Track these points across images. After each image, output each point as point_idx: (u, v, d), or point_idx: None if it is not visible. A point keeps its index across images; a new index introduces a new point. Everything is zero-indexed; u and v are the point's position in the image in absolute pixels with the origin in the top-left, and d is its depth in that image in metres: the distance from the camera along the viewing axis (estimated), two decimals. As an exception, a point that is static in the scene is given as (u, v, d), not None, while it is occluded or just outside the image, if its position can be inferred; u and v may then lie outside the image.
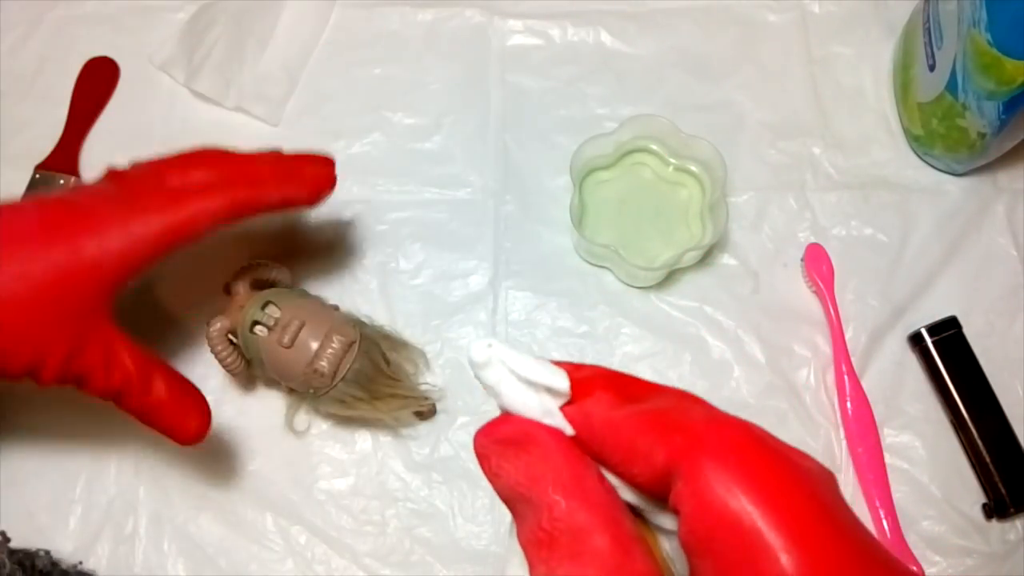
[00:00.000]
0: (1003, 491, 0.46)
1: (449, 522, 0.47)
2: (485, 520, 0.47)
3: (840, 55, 0.56)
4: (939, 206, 0.53)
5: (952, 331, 0.49)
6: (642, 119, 0.50)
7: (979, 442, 0.47)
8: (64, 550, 0.46)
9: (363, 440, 0.48)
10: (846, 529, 0.18)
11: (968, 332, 0.49)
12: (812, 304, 0.51)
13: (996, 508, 0.46)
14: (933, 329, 0.49)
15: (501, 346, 0.21)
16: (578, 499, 0.19)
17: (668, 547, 0.21)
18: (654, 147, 0.52)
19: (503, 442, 0.21)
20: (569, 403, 0.21)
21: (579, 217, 0.49)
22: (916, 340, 0.49)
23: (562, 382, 0.21)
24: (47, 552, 0.44)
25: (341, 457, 0.48)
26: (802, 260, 0.51)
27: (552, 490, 0.19)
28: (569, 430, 0.21)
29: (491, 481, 0.21)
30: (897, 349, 0.50)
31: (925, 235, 0.52)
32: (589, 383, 0.21)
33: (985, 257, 0.52)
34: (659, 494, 0.19)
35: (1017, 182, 0.53)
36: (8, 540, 0.42)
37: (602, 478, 0.20)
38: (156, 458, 0.48)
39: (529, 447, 0.20)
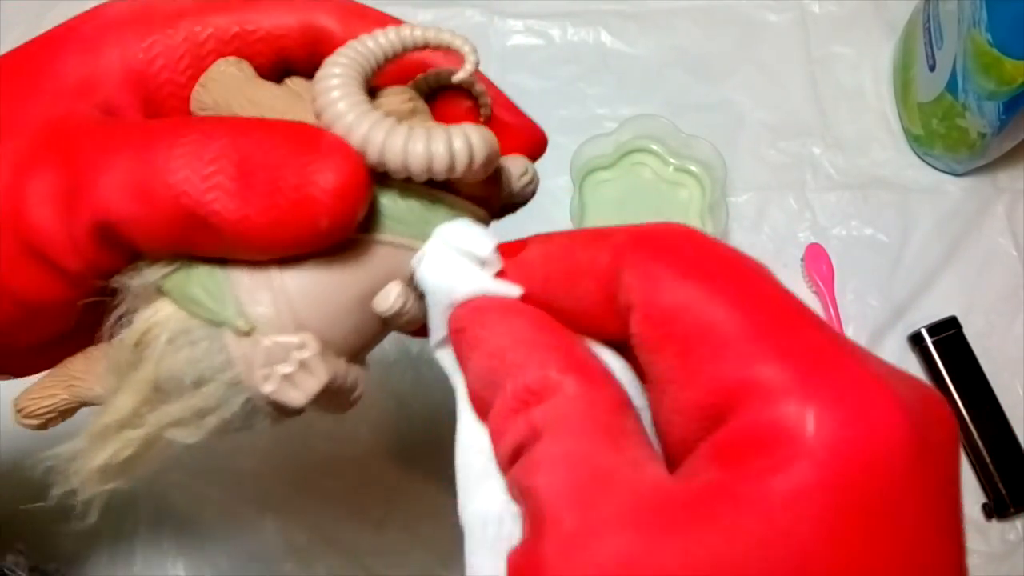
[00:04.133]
0: (1003, 491, 0.46)
1: (451, 522, 0.47)
2: (485, 520, 0.47)
3: (840, 55, 0.56)
4: (939, 206, 0.53)
5: (952, 331, 0.49)
6: (642, 119, 0.50)
7: (979, 442, 0.47)
8: (64, 550, 0.46)
9: (363, 440, 0.48)
10: (787, 293, 0.17)
11: (968, 332, 0.49)
12: (812, 304, 0.51)
13: (996, 508, 0.46)
14: (933, 329, 0.49)
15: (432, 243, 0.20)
16: (572, 359, 0.18)
17: None
18: (654, 147, 0.52)
19: (483, 310, 0.19)
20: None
21: (579, 217, 0.49)
22: (916, 340, 0.49)
23: (485, 245, 0.20)
24: (57, 568, 0.44)
25: (341, 457, 0.48)
26: (802, 260, 0.51)
27: (542, 350, 0.18)
28: (514, 291, 0.20)
29: (466, 358, 0.19)
30: (897, 349, 0.50)
31: (925, 235, 0.52)
32: (519, 245, 0.20)
33: (985, 257, 0.52)
34: (612, 323, 0.18)
35: (1017, 182, 0.53)
36: (23, 553, 0.42)
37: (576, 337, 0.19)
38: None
39: (511, 313, 0.19)
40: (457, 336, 0.20)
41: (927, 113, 0.51)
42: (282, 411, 0.20)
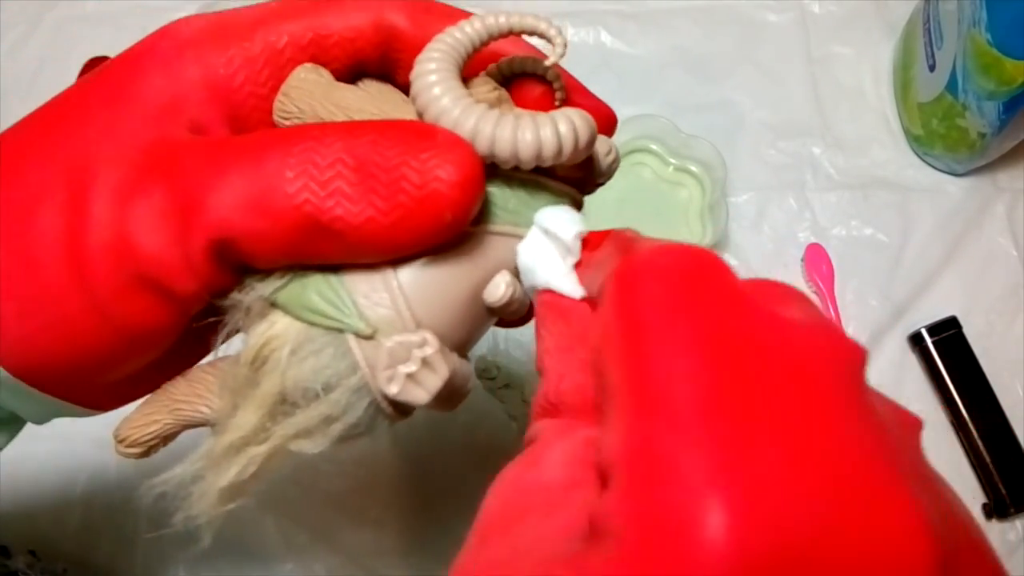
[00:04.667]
0: (1003, 491, 0.46)
1: (451, 522, 0.47)
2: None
3: (840, 55, 0.56)
4: (939, 206, 0.53)
5: (952, 331, 0.49)
6: (642, 119, 0.50)
7: (979, 442, 0.47)
8: (64, 550, 0.46)
9: (363, 440, 0.48)
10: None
11: (968, 332, 0.49)
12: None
13: (996, 508, 0.46)
14: (933, 329, 0.49)
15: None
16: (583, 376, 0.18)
17: None
18: (654, 147, 0.52)
19: (549, 306, 0.20)
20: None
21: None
22: (916, 340, 0.49)
23: (568, 230, 0.20)
24: (65, 568, 0.44)
25: (341, 456, 0.48)
26: (802, 260, 0.51)
27: (572, 364, 0.18)
28: (577, 293, 0.20)
29: (537, 345, 0.20)
30: (897, 349, 0.50)
31: (925, 235, 0.52)
32: (602, 236, 0.20)
33: (985, 257, 0.52)
34: None
35: (1017, 182, 0.53)
36: (39, 559, 0.43)
37: None
38: (156, 458, 0.48)
39: (567, 316, 0.19)
40: (536, 323, 0.20)
41: (927, 113, 0.51)
42: (403, 411, 0.20)
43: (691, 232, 0.50)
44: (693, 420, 0.13)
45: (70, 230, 0.18)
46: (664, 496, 0.13)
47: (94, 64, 0.56)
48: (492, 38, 0.21)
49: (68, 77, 0.56)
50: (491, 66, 0.22)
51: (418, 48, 0.20)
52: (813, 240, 0.52)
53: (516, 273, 0.21)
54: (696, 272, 0.16)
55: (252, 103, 0.21)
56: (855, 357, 0.15)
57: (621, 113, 0.53)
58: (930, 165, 0.54)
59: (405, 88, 0.21)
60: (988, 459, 0.47)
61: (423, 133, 0.18)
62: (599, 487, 0.15)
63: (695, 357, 0.14)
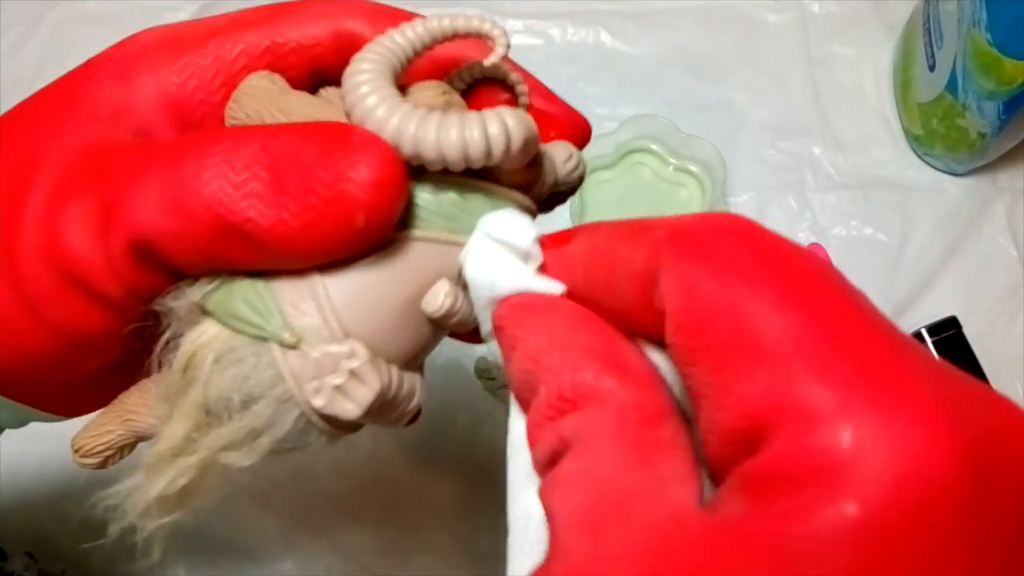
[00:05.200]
0: (1003, 491, 0.46)
1: (452, 522, 0.47)
2: (489, 521, 0.47)
3: (840, 55, 0.56)
4: (939, 206, 0.53)
5: (952, 331, 0.49)
6: (642, 119, 0.50)
7: (979, 442, 0.47)
8: (63, 552, 0.46)
9: (364, 440, 0.48)
10: (847, 292, 0.15)
11: (968, 332, 0.49)
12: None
13: (996, 508, 0.46)
14: (933, 329, 0.49)
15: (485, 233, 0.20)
16: (610, 363, 0.16)
17: None
18: (654, 147, 0.52)
19: (522, 308, 0.18)
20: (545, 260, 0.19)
21: (579, 217, 0.49)
22: (916, 340, 0.49)
23: (524, 235, 0.19)
24: (64, 570, 0.44)
25: (341, 456, 0.48)
26: (802, 260, 0.51)
27: (578, 353, 0.17)
28: (556, 288, 0.19)
29: (507, 358, 0.18)
30: (897, 349, 0.50)
31: (925, 235, 0.52)
32: (566, 235, 0.19)
33: (985, 257, 0.52)
34: (654, 327, 0.16)
35: (1017, 182, 0.53)
36: (36, 561, 0.43)
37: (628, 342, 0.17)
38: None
39: (551, 311, 0.18)
40: (498, 334, 0.19)
41: (927, 113, 0.51)
42: (337, 426, 0.19)
43: (691, 232, 0.50)
44: (846, 352, 0.14)
45: (5, 230, 0.19)
46: (886, 423, 0.13)
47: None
48: (436, 41, 0.20)
49: (68, 77, 0.56)
50: (452, 72, 0.22)
51: None
52: (813, 240, 0.52)
53: (459, 283, 0.20)
54: (753, 226, 0.16)
55: (204, 110, 0.20)
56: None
57: (621, 113, 0.53)
58: (930, 165, 0.54)
59: None
60: (988, 459, 0.47)
61: (340, 133, 0.18)
62: (726, 455, 0.14)
63: (807, 298, 0.14)
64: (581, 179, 0.23)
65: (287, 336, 0.18)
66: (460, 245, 0.20)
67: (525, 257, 0.19)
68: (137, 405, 0.21)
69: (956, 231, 0.52)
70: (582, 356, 0.17)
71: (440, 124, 0.18)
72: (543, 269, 0.19)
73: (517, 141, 0.18)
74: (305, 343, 0.18)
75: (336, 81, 0.21)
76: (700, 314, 0.15)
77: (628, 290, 0.17)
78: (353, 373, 0.18)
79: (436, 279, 0.19)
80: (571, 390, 0.16)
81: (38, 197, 0.19)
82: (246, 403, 0.19)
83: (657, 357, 0.18)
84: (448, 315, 0.19)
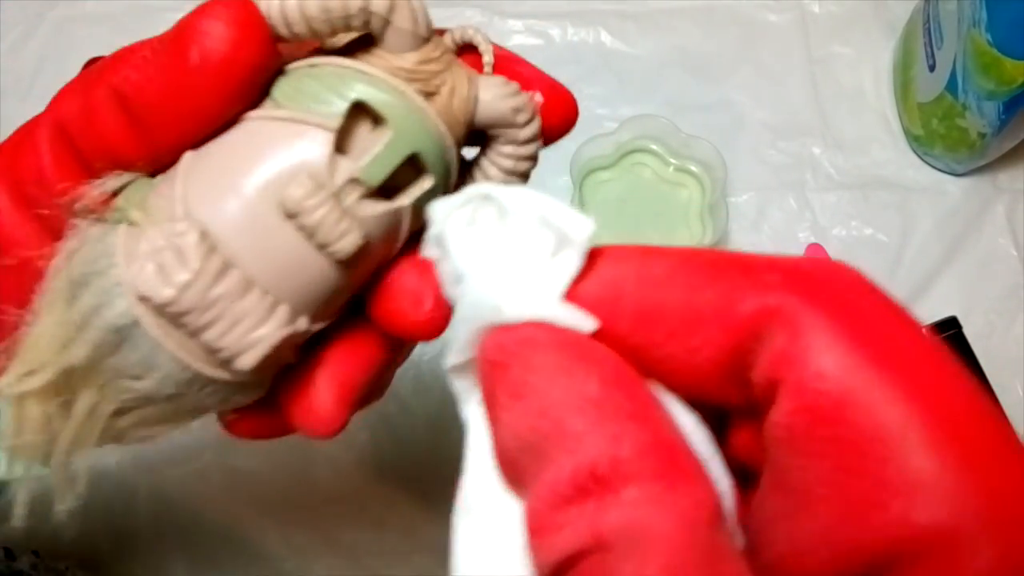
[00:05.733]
0: (1003, 491, 0.46)
1: (452, 522, 0.47)
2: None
3: (840, 55, 0.56)
4: (939, 206, 0.53)
5: (952, 331, 0.49)
6: (642, 119, 0.50)
7: (979, 442, 0.47)
8: (66, 551, 0.46)
9: (364, 440, 0.48)
10: (1004, 432, 0.13)
11: (968, 332, 0.49)
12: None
13: (996, 508, 0.46)
14: (933, 329, 0.49)
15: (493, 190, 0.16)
16: (659, 438, 0.13)
17: None
18: (654, 147, 0.52)
19: (538, 346, 0.14)
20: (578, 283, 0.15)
21: (579, 217, 0.49)
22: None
23: (582, 226, 0.15)
24: (67, 567, 0.44)
25: (342, 457, 0.48)
26: (802, 260, 0.51)
27: (618, 420, 0.13)
28: (587, 325, 0.14)
29: (502, 406, 0.14)
30: (897, 349, 0.50)
31: (925, 235, 0.52)
32: (592, 253, 0.15)
33: (985, 257, 0.52)
34: (730, 391, 0.14)
35: (1017, 182, 0.53)
36: (42, 560, 0.43)
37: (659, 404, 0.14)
38: (156, 458, 0.48)
39: (581, 357, 0.13)
40: (492, 371, 0.14)
41: (927, 113, 0.51)
42: (170, 316, 0.16)
43: (691, 232, 0.50)
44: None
45: None
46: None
47: (93, 64, 0.56)
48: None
49: (68, 77, 0.55)
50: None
51: None
52: (813, 240, 0.52)
53: (333, 183, 0.17)
54: (874, 285, 0.14)
55: None
56: None
57: (621, 113, 0.53)
58: (930, 165, 0.54)
59: None
60: (988, 459, 0.47)
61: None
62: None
63: (956, 409, 0.12)
64: (533, 135, 0.20)
65: (135, 215, 0.17)
66: (326, 128, 0.17)
67: (558, 275, 0.14)
68: None
69: (956, 231, 0.52)
70: (620, 423, 0.13)
71: None
72: (573, 295, 0.14)
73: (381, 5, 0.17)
74: (149, 222, 0.17)
75: None
76: (837, 396, 0.12)
77: (710, 343, 0.13)
78: (177, 251, 0.16)
79: (295, 172, 0.17)
80: (607, 467, 0.12)
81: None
82: (78, 284, 0.17)
83: (676, 409, 0.14)
84: (300, 211, 0.17)
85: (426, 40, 0.18)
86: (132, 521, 0.47)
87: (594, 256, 0.15)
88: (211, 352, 0.17)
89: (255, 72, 0.17)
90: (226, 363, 0.17)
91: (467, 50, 0.21)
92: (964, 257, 0.52)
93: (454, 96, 0.18)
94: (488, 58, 0.20)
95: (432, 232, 0.17)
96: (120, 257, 0.17)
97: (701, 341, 0.14)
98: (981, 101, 0.46)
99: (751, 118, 0.55)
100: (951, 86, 0.48)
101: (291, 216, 0.17)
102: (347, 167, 0.17)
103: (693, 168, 0.51)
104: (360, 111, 0.18)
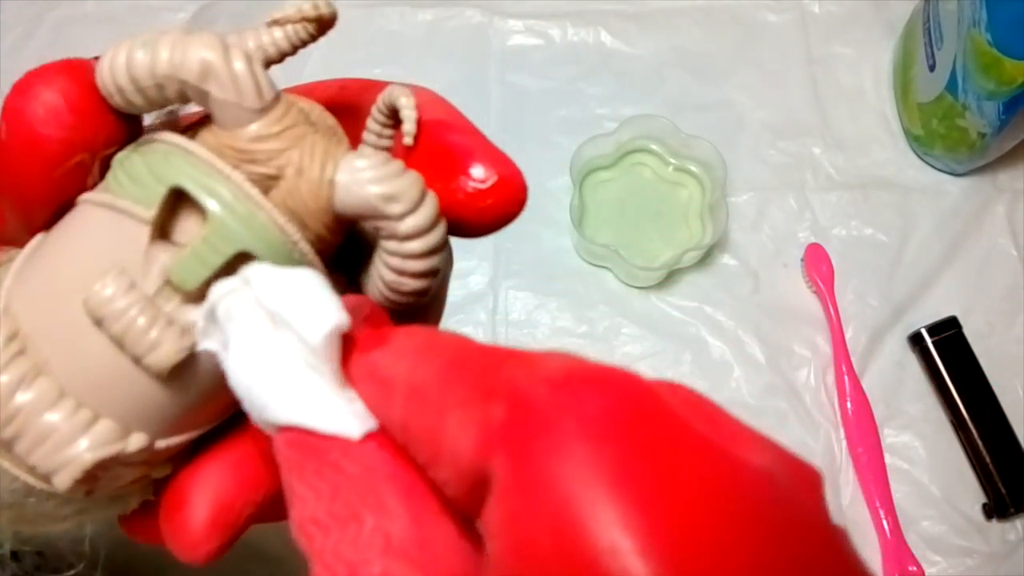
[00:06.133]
0: (1003, 491, 0.46)
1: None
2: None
3: (840, 55, 0.56)
4: (939, 206, 0.53)
5: (952, 331, 0.49)
6: (642, 119, 0.50)
7: (979, 442, 0.47)
8: (64, 549, 0.46)
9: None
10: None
11: (968, 332, 0.49)
12: (812, 304, 0.51)
13: (996, 508, 0.46)
14: (933, 329, 0.49)
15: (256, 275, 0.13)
16: (422, 561, 0.12)
17: None
18: (654, 147, 0.52)
19: (307, 450, 0.13)
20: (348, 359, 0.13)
21: (579, 217, 0.49)
22: (916, 340, 0.49)
23: (319, 315, 0.13)
24: (71, 564, 0.44)
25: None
26: (802, 260, 0.51)
27: (374, 540, 0.12)
28: (356, 431, 0.13)
29: (288, 503, 0.13)
30: (897, 349, 0.50)
31: (925, 235, 0.52)
32: (377, 329, 0.14)
33: (985, 257, 0.52)
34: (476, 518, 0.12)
35: (1017, 182, 0.53)
36: (47, 561, 0.42)
37: (452, 529, 0.12)
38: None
39: (345, 462, 0.12)
40: (283, 468, 0.13)
41: (927, 113, 0.51)
42: None
43: (691, 232, 0.51)
44: None
45: None
46: None
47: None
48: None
49: (68, 77, 0.56)
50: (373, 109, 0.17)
51: None
52: (813, 240, 0.52)
53: (150, 279, 0.15)
54: (636, 423, 0.11)
55: None
56: (820, 484, 0.11)
57: (621, 113, 0.53)
58: (930, 165, 0.54)
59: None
60: (988, 459, 0.47)
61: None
62: None
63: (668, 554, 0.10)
64: (418, 236, 0.15)
65: None
66: (142, 219, 0.14)
67: (315, 359, 0.13)
68: None
69: (956, 231, 0.52)
70: (376, 546, 0.12)
71: (156, 41, 0.14)
72: (348, 363, 0.13)
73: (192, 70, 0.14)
74: None
75: None
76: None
77: (448, 482, 0.12)
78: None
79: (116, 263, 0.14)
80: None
81: None
82: None
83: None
84: (104, 316, 0.14)
85: (264, 111, 0.15)
86: (132, 521, 0.47)
87: (376, 340, 0.13)
88: (28, 466, 0.15)
89: (71, 148, 0.15)
90: (47, 479, 0.15)
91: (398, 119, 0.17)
92: (964, 257, 0.52)
93: (301, 179, 0.15)
94: (409, 126, 0.16)
95: (202, 310, 0.14)
96: None
97: (445, 476, 0.12)
98: (981, 101, 0.46)
99: (751, 118, 0.55)
100: (951, 86, 0.48)
101: (97, 321, 0.14)
102: (165, 266, 0.14)
103: (693, 168, 0.51)
104: (186, 199, 0.15)
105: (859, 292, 0.51)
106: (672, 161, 0.51)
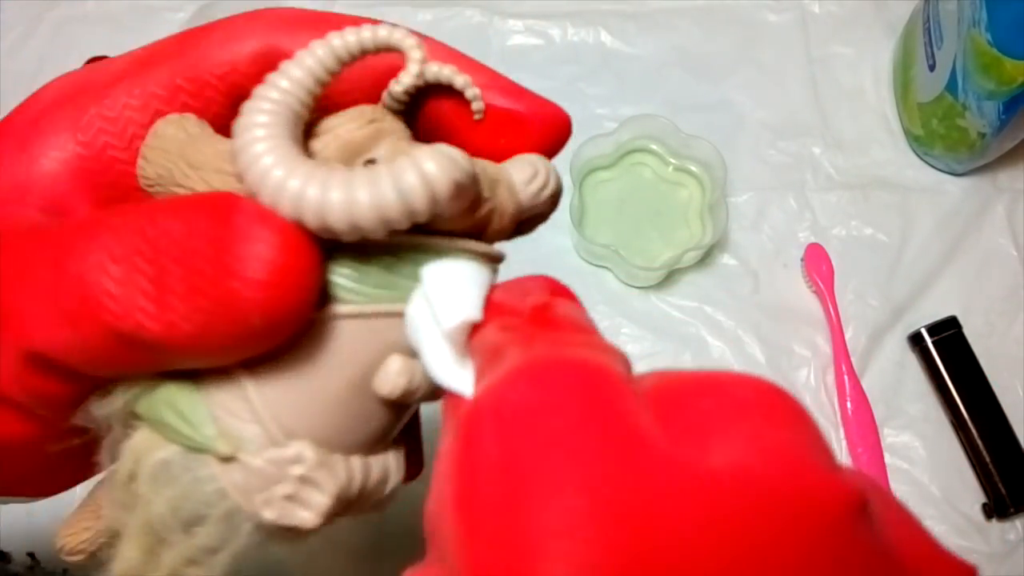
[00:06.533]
0: (1003, 491, 0.46)
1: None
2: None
3: (840, 55, 0.56)
4: (939, 206, 0.53)
5: (952, 331, 0.49)
6: (642, 119, 0.50)
7: (979, 442, 0.47)
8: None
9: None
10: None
11: (968, 332, 0.49)
12: (812, 304, 0.51)
13: (996, 508, 0.46)
14: (933, 329, 0.49)
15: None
16: None
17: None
18: (654, 147, 0.52)
19: (445, 400, 0.17)
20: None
21: (579, 217, 0.49)
22: (916, 340, 0.49)
23: (453, 310, 0.16)
24: (65, 569, 0.44)
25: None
26: (802, 260, 0.51)
27: None
28: (468, 391, 0.16)
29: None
30: (897, 349, 0.50)
31: (925, 235, 0.52)
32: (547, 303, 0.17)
33: (985, 257, 0.52)
34: None
35: (1017, 182, 0.53)
36: (38, 563, 0.42)
37: None
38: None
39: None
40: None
41: (927, 113, 0.51)
42: (299, 532, 0.17)
43: (691, 232, 0.51)
44: None
45: None
46: None
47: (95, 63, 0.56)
48: (342, 63, 0.17)
49: (68, 77, 0.56)
50: (383, 94, 0.18)
51: None
52: (813, 240, 0.52)
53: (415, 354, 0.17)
54: (556, 419, 0.13)
55: (119, 168, 0.18)
56: (830, 508, 0.12)
57: (621, 113, 0.53)
58: (930, 165, 0.54)
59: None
60: (988, 459, 0.47)
61: (223, 212, 0.14)
62: None
63: (554, 567, 0.12)
64: (554, 200, 0.19)
65: (222, 446, 0.16)
66: (399, 315, 0.16)
67: (448, 339, 0.16)
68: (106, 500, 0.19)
69: (956, 231, 0.52)
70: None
71: (346, 185, 0.15)
72: (481, 347, 0.16)
73: (444, 189, 0.15)
74: (244, 452, 0.16)
75: None
76: (437, 512, 0.14)
77: None
78: (303, 479, 0.16)
79: (383, 355, 0.17)
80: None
81: None
82: (191, 523, 0.16)
83: None
84: (407, 394, 0.17)
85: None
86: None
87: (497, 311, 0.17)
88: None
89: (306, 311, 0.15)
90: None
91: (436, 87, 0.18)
92: (964, 257, 0.52)
93: (505, 221, 0.19)
94: (477, 105, 0.18)
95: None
96: (233, 494, 0.16)
97: None
98: (981, 101, 0.46)
99: (751, 118, 0.55)
100: (951, 86, 0.48)
101: (394, 400, 0.17)
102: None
103: (693, 168, 0.51)
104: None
105: (859, 292, 0.51)
106: (672, 161, 0.51)
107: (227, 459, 0.16)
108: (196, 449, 0.16)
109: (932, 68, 0.50)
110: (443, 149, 0.15)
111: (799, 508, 0.12)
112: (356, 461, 0.17)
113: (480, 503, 0.13)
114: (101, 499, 0.19)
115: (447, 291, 0.16)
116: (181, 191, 0.17)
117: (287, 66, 0.16)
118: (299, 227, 0.14)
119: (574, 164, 0.49)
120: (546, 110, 0.19)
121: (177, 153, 0.17)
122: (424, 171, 0.15)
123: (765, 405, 0.14)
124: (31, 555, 0.43)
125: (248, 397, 0.16)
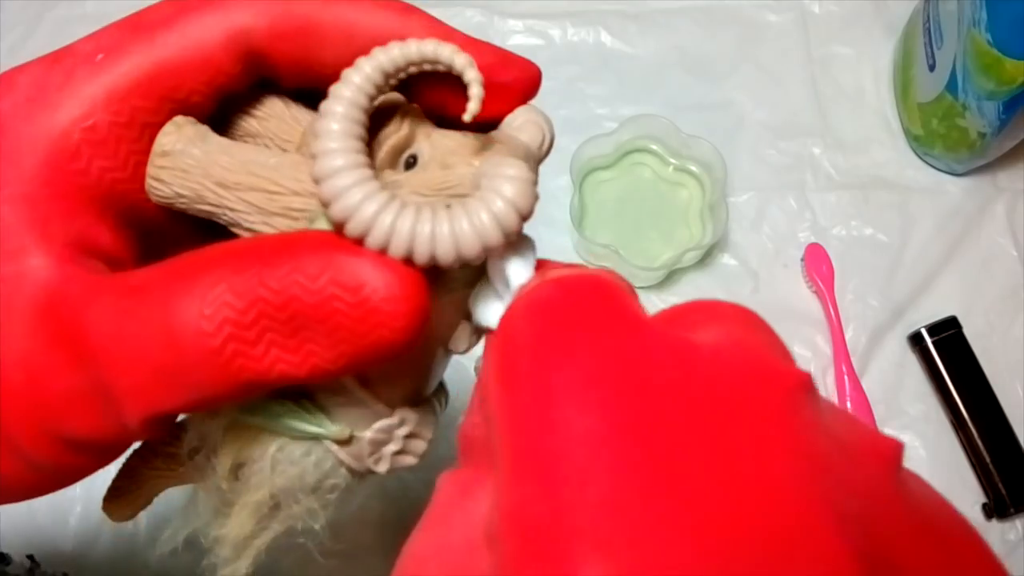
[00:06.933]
0: (1003, 491, 0.46)
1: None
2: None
3: (840, 55, 0.56)
4: (939, 206, 0.53)
5: (952, 331, 0.49)
6: (642, 119, 0.50)
7: (979, 442, 0.47)
8: (64, 549, 0.46)
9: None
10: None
11: (968, 332, 0.49)
12: (812, 304, 0.51)
13: (996, 508, 0.46)
14: (933, 329, 0.49)
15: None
16: None
17: None
18: (654, 147, 0.52)
19: (486, 344, 0.18)
20: None
21: (579, 217, 0.49)
22: (916, 340, 0.49)
23: (518, 271, 0.19)
24: (65, 573, 0.44)
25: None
26: (802, 260, 0.51)
27: None
28: None
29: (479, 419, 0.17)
30: (897, 349, 0.50)
31: (925, 235, 0.52)
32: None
33: (985, 257, 0.52)
34: None
35: (1017, 182, 0.53)
36: (38, 565, 0.42)
37: None
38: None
39: None
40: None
41: (927, 113, 0.51)
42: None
43: (691, 232, 0.51)
44: (569, 483, 0.13)
45: None
46: (540, 571, 0.13)
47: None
48: (399, 74, 0.17)
49: (68, 77, 0.56)
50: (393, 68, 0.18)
51: (309, 37, 0.17)
52: (813, 240, 0.52)
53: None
54: (574, 306, 0.16)
55: (110, 179, 0.17)
56: (783, 382, 0.15)
57: (621, 113, 0.53)
58: (930, 165, 0.54)
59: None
60: (988, 459, 0.47)
61: (341, 264, 0.16)
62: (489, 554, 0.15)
63: (571, 409, 0.14)
64: (550, 148, 0.21)
65: (340, 432, 0.19)
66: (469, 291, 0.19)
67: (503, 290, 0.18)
68: (159, 469, 0.22)
69: (956, 231, 0.52)
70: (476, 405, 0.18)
71: (452, 220, 0.16)
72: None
73: (527, 207, 0.17)
74: (357, 431, 0.19)
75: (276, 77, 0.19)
76: (488, 402, 0.16)
77: None
78: (409, 435, 0.20)
79: (458, 322, 0.19)
80: (460, 434, 0.19)
81: (6, 350, 0.16)
82: (312, 490, 0.20)
83: None
84: (471, 349, 0.20)
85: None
86: (130, 525, 0.47)
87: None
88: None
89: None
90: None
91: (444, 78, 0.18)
92: (964, 257, 0.52)
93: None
94: (477, 90, 0.18)
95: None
96: (349, 462, 0.20)
97: None
98: (981, 101, 0.46)
99: (751, 118, 0.55)
100: (951, 86, 0.48)
101: (460, 353, 0.20)
102: None
103: (693, 168, 0.51)
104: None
105: (859, 292, 0.51)
106: (672, 161, 0.51)
107: (344, 441, 0.19)
108: (316, 439, 0.19)
109: (932, 68, 0.50)
110: (513, 173, 0.17)
111: (759, 379, 0.15)
112: (433, 402, 0.21)
113: (516, 370, 0.16)
114: (150, 468, 0.22)
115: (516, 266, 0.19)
116: (219, 211, 0.18)
117: (349, 76, 0.17)
118: (412, 265, 0.16)
119: (574, 164, 0.49)
120: (527, 72, 0.20)
121: (200, 173, 0.17)
122: (508, 198, 0.17)
123: (742, 316, 0.17)
124: (31, 557, 0.43)
125: (351, 390, 0.19)
